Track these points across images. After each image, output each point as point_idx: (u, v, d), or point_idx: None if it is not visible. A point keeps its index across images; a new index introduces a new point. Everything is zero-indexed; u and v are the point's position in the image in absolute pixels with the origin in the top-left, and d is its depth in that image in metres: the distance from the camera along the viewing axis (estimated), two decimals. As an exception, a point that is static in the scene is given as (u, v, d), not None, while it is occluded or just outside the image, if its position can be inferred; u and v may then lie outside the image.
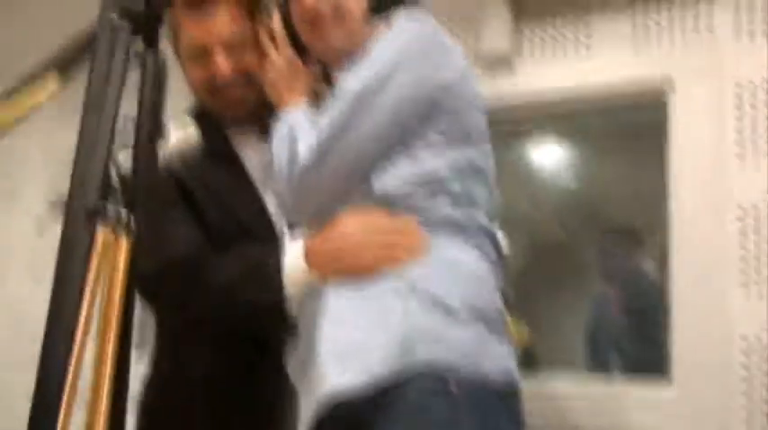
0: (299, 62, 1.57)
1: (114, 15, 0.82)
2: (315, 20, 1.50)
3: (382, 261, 1.39)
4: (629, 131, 2.83)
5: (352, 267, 1.40)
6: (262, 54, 1.62)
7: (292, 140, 1.45)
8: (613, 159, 2.92)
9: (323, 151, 1.41)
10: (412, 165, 1.42)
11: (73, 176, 0.80)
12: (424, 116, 1.43)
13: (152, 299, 1.54)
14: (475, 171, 1.47)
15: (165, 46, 1.21)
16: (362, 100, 1.41)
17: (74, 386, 0.72)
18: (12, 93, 1.11)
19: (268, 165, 1.51)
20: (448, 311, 1.34)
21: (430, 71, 1.44)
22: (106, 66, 0.81)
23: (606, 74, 2.69)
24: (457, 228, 1.42)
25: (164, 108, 1.18)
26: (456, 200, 1.43)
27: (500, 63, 2.81)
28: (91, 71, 0.83)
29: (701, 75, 2.53)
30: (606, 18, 2.73)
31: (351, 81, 1.44)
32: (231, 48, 1.60)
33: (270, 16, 1.58)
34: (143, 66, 0.88)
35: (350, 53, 1.48)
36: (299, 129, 1.46)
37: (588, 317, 2.90)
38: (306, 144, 1.43)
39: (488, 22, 2.82)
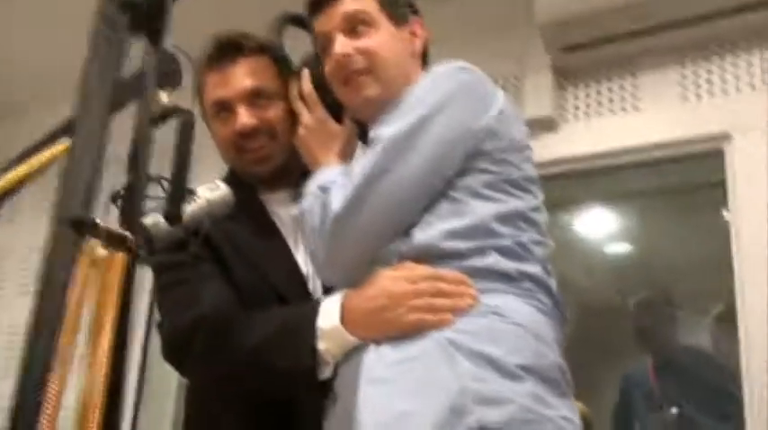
0: (333, 121, 1.49)
1: (113, 9, 0.73)
2: (347, 75, 1.42)
3: (427, 320, 1.26)
4: (683, 190, 2.70)
5: (393, 327, 1.29)
6: (289, 110, 1.56)
7: (324, 192, 1.36)
8: (667, 220, 2.78)
9: (357, 198, 1.31)
10: (456, 216, 1.31)
11: (61, 185, 0.70)
12: (465, 160, 1.33)
13: (179, 358, 1.47)
14: (525, 221, 1.35)
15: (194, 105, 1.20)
16: (399, 144, 1.32)
17: (55, 410, 0.61)
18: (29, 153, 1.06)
19: (300, 224, 1.43)
20: (500, 370, 1.19)
21: (470, 113, 1.34)
22: (100, 64, 0.73)
23: (656, 131, 2.60)
24: (507, 281, 1.29)
25: (189, 164, 1.12)
26: (506, 251, 1.30)
27: (544, 125, 2.75)
28: (85, 70, 0.73)
29: (758, 127, 2.40)
30: (654, 72, 2.67)
31: (385, 127, 1.35)
32: (253, 101, 1.56)
33: (299, 75, 1.52)
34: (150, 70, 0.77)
35: (386, 106, 1.40)
36: (331, 183, 1.37)
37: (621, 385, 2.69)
38: (338, 194, 1.33)
39: (530, 84, 2.77)
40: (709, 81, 2.58)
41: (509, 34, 2.83)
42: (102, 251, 0.72)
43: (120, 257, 0.74)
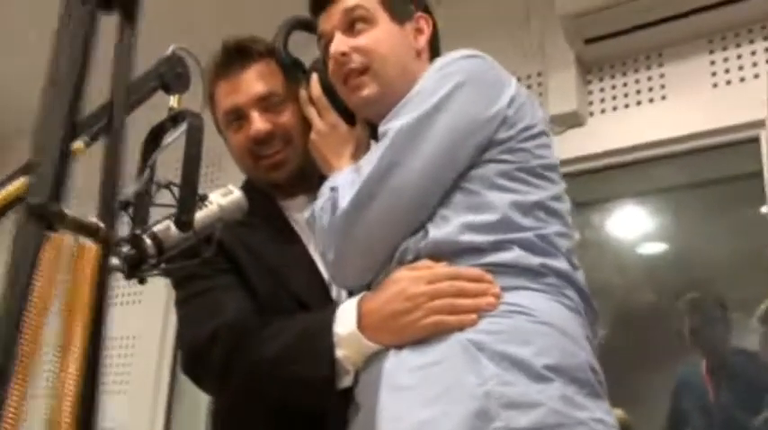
0: (344, 125, 1.46)
1: (82, -17, 0.66)
2: (346, 74, 1.39)
3: (447, 321, 1.19)
4: (718, 182, 2.59)
5: (412, 330, 1.22)
6: (300, 115, 1.53)
7: (333, 191, 1.31)
8: (702, 215, 2.67)
9: (366, 193, 1.25)
10: (473, 209, 1.25)
11: (28, 169, 0.64)
12: (478, 150, 1.27)
13: (198, 370, 1.45)
14: (546, 211, 1.29)
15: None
16: (408, 136, 1.26)
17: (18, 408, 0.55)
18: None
19: (311, 226, 1.39)
20: (527, 372, 1.12)
21: (481, 101, 1.29)
22: (69, 43, 0.66)
23: (687, 121, 2.51)
24: (532, 277, 1.22)
25: (199, 168, 1.06)
26: (528, 245, 1.24)
27: (569, 121, 2.67)
28: (54, 51, 0.67)
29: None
30: (681, 60, 2.58)
31: (394, 121, 1.30)
32: (266, 107, 1.54)
33: (308, 80, 1.49)
34: (125, 47, 0.71)
35: (390, 105, 1.34)
36: (342, 183, 1.32)
37: (675, 388, 2.58)
38: (347, 190, 1.28)
39: (553, 79, 2.70)
40: (740, 66, 2.48)
41: (529, 29, 2.76)
42: (68, 240, 0.66)
43: (91, 248, 0.68)
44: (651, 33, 2.55)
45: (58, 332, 0.67)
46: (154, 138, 1.28)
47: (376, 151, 1.28)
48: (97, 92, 0.84)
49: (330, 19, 1.41)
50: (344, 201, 1.26)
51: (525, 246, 1.23)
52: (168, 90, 1.35)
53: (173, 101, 1.35)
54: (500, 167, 1.27)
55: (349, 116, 1.46)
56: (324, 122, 1.46)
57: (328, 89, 1.45)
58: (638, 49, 2.65)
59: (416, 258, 1.26)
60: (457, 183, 1.26)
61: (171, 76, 1.34)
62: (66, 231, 0.66)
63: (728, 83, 2.50)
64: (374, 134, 1.43)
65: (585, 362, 1.19)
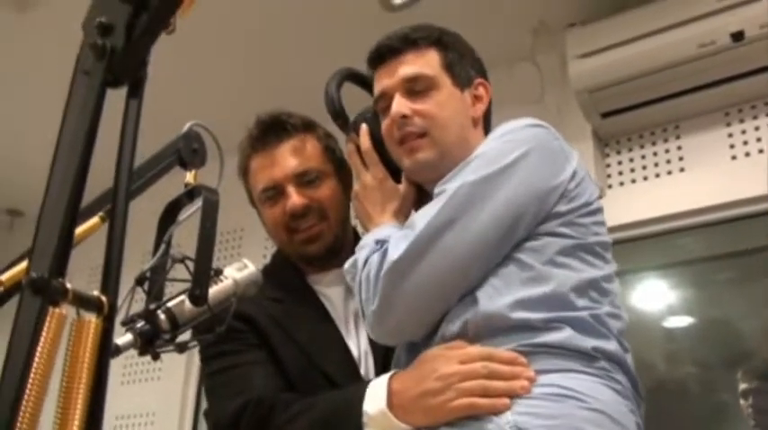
0: (391, 180, 1.43)
1: (90, 57, 0.68)
2: (403, 136, 1.36)
3: (479, 404, 1.16)
4: (741, 253, 2.55)
5: (443, 412, 1.19)
6: (335, 190, 1.55)
7: (382, 244, 1.28)
8: (726, 286, 2.61)
9: (418, 248, 1.21)
10: (527, 283, 1.20)
11: (33, 244, 0.64)
12: (536, 222, 1.23)
13: None
14: (598, 291, 1.24)
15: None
16: (470, 194, 1.23)
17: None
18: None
19: (349, 276, 1.36)
20: None
21: (544, 171, 1.25)
22: (76, 118, 0.68)
23: (706, 193, 2.49)
24: (583, 359, 1.17)
25: (214, 243, 1.07)
26: (581, 326, 1.19)
27: (588, 194, 2.65)
28: (63, 124, 0.68)
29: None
30: (699, 132, 2.58)
31: (453, 182, 1.26)
32: (302, 182, 1.55)
33: (357, 132, 1.46)
34: (129, 121, 0.72)
35: (442, 171, 1.32)
36: (393, 235, 1.28)
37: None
38: (399, 242, 1.24)
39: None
40: (758, 138, 2.48)
41: (544, 104, 2.79)
42: (65, 315, 0.65)
43: (92, 323, 0.67)
44: (667, 106, 2.55)
45: (56, 411, 0.66)
46: (170, 213, 1.29)
47: (432, 207, 1.25)
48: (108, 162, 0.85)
49: (390, 78, 1.38)
50: (396, 252, 1.22)
51: (578, 326, 1.18)
52: (185, 166, 1.37)
53: (189, 176, 1.37)
54: (558, 242, 1.23)
55: (394, 173, 1.43)
56: (371, 175, 1.43)
57: (377, 143, 1.43)
58: (654, 121, 2.66)
59: (463, 327, 1.21)
60: (511, 254, 1.22)
61: (187, 151, 1.36)
62: (67, 306, 0.66)
63: (747, 155, 2.50)
64: (420, 198, 1.42)
65: None
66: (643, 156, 2.69)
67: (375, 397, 1.25)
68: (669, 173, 2.62)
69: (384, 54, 1.40)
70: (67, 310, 0.66)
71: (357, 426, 1.25)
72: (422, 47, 1.38)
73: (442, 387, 1.18)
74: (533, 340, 1.17)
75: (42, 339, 0.62)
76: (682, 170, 2.60)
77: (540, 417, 1.11)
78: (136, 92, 0.75)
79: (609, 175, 2.73)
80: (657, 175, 2.64)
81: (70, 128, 0.70)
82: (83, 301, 0.67)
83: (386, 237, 1.28)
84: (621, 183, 2.70)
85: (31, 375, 0.61)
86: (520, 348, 1.17)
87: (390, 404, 1.23)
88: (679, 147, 2.63)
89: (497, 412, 1.13)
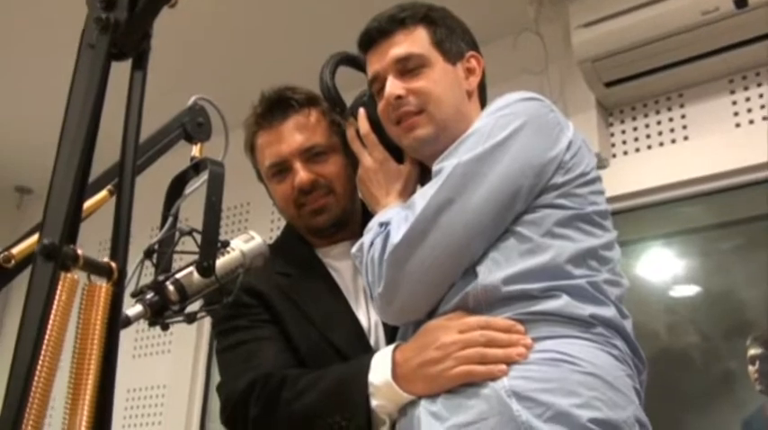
0: (393, 161, 1.44)
1: (94, 30, 0.70)
2: (400, 115, 1.37)
3: (476, 371, 1.18)
4: (745, 220, 2.55)
5: (443, 380, 1.21)
6: (341, 164, 1.55)
7: (384, 226, 1.30)
8: (731, 254, 2.62)
9: (419, 229, 1.23)
10: (525, 255, 1.22)
11: (44, 212, 0.67)
12: (534, 194, 1.25)
13: (236, 421, 1.44)
14: (597, 259, 1.25)
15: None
16: (466, 173, 1.24)
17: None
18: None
19: (357, 259, 1.38)
20: (572, 425, 1.09)
21: (540, 144, 1.26)
22: (82, 92, 0.69)
23: (710, 160, 2.50)
24: (580, 326, 1.19)
25: (220, 215, 1.11)
26: (578, 293, 1.20)
27: (591, 163, 2.66)
28: (69, 97, 0.70)
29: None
30: (703, 100, 2.57)
31: (450, 159, 1.28)
32: (308, 157, 1.56)
33: (356, 116, 1.48)
34: (134, 94, 0.74)
35: (442, 145, 1.32)
36: (394, 218, 1.30)
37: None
38: (400, 225, 1.26)
39: (574, 122, 2.68)
40: (762, 105, 2.47)
41: (548, 74, 2.78)
42: (77, 280, 0.68)
43: (103, 287, 0.70)
44: (671, 74, 2.55)
45: (70, 372, 0.69)
46: (176, 187, 1.31)
47: (430, 187, 1.26)
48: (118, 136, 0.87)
49: (381, 60, 1.39)
50: (397, 235, 1.24)
51: (575, 293, 1.20)
52: (190, 139, 1.39)
53: (195, 150, 1.39)
54: (555, 213, 1.24)
55: (396, 153, 1.44)
56: (372, 158, 1.45)
57: (376, 125, 1.44)
58: (658, 90, 2.66)
59: (464, 300, 1.24)
60: (510, 227, 1.24)
61: (193, 125, 1.38)
62: (78, 271, 0.68)
63: (751, 122, 2.49)
64: (423, 174, 1.44)
65: (633, 417, 1.15)
66: (647, 125, 2.69)
67: (380, 368, 1.28)
68: (673, 141, 2.62)
69: (373, 36, 1.41)
70: (78, 276, 0.69)
71: (364, 397, 1.27)
72: (410, 25, 1.39)
73: (442, 356, 1.21)
74: (531, 308, 1.19)
75: (55, 303, 0.64)
76: (686, 138, 2.60)
77: (534, 381, 1.13)
78: (140, 64, 0.77)
79: (613, 145, 2.73)
80: (662, 144, 2.64)
81: (77, 100, 0.72)
82: (93, 267, 0.70)
83: (389, 220, 1.30)
84: (626, 153, 2.70)
85: (46, 337, 0.63)
86: (518, 316, 1.20)
87: (395, 374, 1.25)
88: (683, 116, 2.63)
89: (495, 378, 1.15)
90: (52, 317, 0.63)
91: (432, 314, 1.29)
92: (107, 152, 0.90)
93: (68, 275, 0.67)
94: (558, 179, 1.25)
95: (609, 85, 2.63)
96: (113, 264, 0.71)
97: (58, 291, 0.65)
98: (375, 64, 1.41)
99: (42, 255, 0.65)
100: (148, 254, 1.18)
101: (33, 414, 0.60)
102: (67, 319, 0.65)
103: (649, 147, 2.66)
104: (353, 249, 1.38)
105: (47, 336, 0.63)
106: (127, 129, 0.74)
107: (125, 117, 0.75)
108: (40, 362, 0.63)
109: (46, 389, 0.63)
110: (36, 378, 0.62)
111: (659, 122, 2.66)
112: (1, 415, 0.62)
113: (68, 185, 0.69)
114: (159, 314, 1.10)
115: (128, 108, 0.75)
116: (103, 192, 1.27)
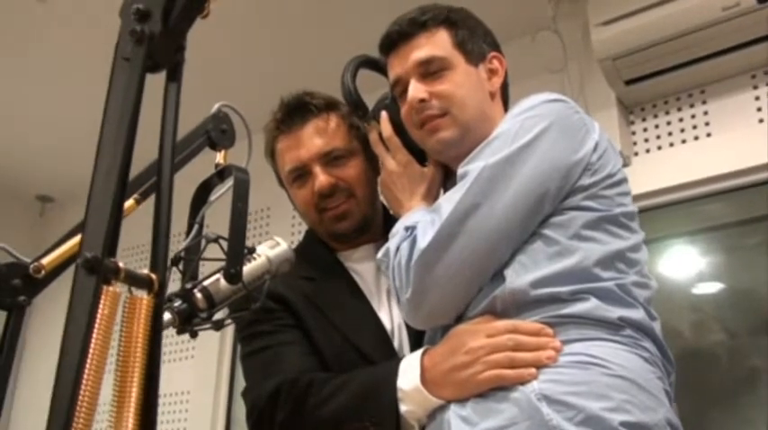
0: (416, 164, 1.44)
1: (129, 42, 0.70)
2: (423, 119, 1.36)
3: (506, 375, 1.18)
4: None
5: (472, 385, 1.21)
6: (365, 167, 1.56)
7: (411, 231, 1.29)
8: (755, 251, 2.59)
9: (446, 234, 1.22)
10: (553, 258, 1.21)
11: (84, 225, 0.67)
12: (561, 197, 1.24)
13: (261, 427, 1.44)
14: (624, 261, 1.24)
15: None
16: (492, 176, 1.23)
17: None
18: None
19: (383, 264, 1.37)
20: (602, 428, 1.08)
21: (566, 146, 1.25)
22: (118, 105, 0.70)
23: (733, 157, 2.48)
24: (609, 329, 1.18)
25: (246, 222, 1.10)
26: (606, 296, 1.20)
27: (613, 162, 2.64)
28: (105, 110, 0.71)
29: None
30: (725, 96, 2.56)
31: (475, 162, 1.26)
32: (328, 161, 1.57)
33: (378, 120, 1.47)
34: (169, 106, 0.74)
35: (467, 147, 1.32)
36: (421, 222, 1.29)
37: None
38: (426, 230, 1.25)
39: (595, 121, 2.68)
40: (786, 100, 2.45)
41: (567, 73, 2.77)
42: (119, 293, 0.68)
43: (144, 300, 0.70)
44: (692, 71, 2.53)
45: (114, 385, 0.69)
46: (201, 194, 1.32)
47: (457, 191, 1.25)
48: (145, 150, 0.88)
49: (403, 63, 1.39)
50: (424, 240, 1.23)
51: (604, 296, 1.19)
52: (214, 146, 1.40)
53: (219, 157, 1.39)
54: (582, 215, 1.23)
55: (419, 155, 1.44)
56: (395, 162, 1.44)
57: (398, 128, 1.44)
58: (679, 87, 2.64)
59: (492, 305, 1.23)
60: (537, 230, 1.23)
61: (217, 132, 1.38)
62: (119, 284, 0.69)
63: (775, 114, 2.47)
64: (446, 176, 1.44)
65: (664, 419, 1.14)
66: (669, 123, 2.67)
67: (409, 373, 1.28)
68: (696, 138, 2.60)
69: (394, 40, 1.41)
70: (120, 289, 0.69)
71: (393, 402, 1.27)
72: (431, 28, 1.39)
73: (471, 360, 1.20)
74: (559, 311, 1.19)
75: (98, 316, 0.65)
76: (708, 135, 2.58)
77: (564, 384, 1.12)
78: (174, 76, 0.78)
79: (635, 143, 2.71)
80: (684, 141, 2.63)
81: (114, 113, 0.72)
82: (134, 279, 0.70)
83: (414, 223, 1.30)
84: (647, 151, 2.69)
85: (90, 352, 0.63)
86: (546, 320, 1.19)
87: (423, 379, 1.25)
88: (705, 112, 2.61)
89: (524, 382, 1.15)
90: (96, 329, 0.64)
91: (460, 318, 1.28)
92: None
93: (110, 289, 0.67)
94: (585, 181, 1.24)
95: (629, 82, 2.62)
96: (153, 276, 0.71)
97: (101, 306, 0.65)
98: (397, 67, 1.41)
99: (84, 269, 0.66)
100: (175, 261, 1.18)
101: (82, 423, 0.60)
102: (111, 331, 0.66)
103: (671, 144, 2.64)
104: (379, 254, 1.37)
105: (92, 348, 0.63)
106: (163, 141, 0.74)
107: (161, 129, 0.76)
108: (85, 379, 0.63)
109: (90, 407, 0.63)
110: (81, 395, 0.62)
111: (681, 119, 2.64)
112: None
113: (108, 198, 0.69)
114: (187, 321, 1.10)
115: (163, 120, 0.76)
116: (130, 201, 1.28)
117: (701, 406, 2.46)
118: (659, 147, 2.66)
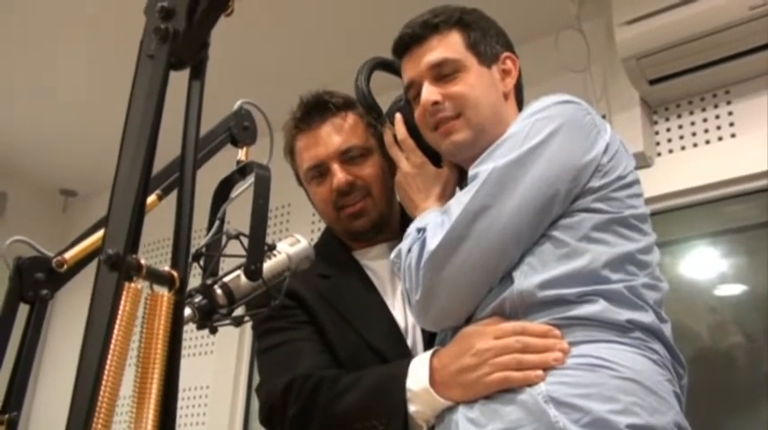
0: (431, 165, 1.44)
1: (153, 40, 0.71)
2: (437, 121, 1.37)
3: (513, 377, 1.18)
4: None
5: (480, 387, 1.21)
6: (383, 165, 1.56)
7: (421, 232, 1.30)
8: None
9: (455, 235, 1.22)
10: (561, 260, 1.21)
11: (106, 222, 0.68)
12: (571, 199, 1.23)
13: (273, 422, 1.45)
14: (634, 263, 1.23)
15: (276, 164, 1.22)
16: (502, 177, 1.23)
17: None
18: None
19: (395, 266, 1.38)
20: (595, 423, 1.08)
21: (576, 148, 1.25)
22: (142, 103, 0.70)
23: (758, 158, 2.43)
24: (617, 331, 1.18)
25: (267, 219, 1.11)
26: (615, 298, 1.19)
27: (637, 162, 2.59)
28: (129, 107, 0.71)
29: None
30: (749, 96, 2.53)
31: (486, 163, 1.26)
32: (346, 159, 1.57)
33: (392, 122, 1.49)
34: (192, 103, 0.75)
35: (481, 148, 1.31)
36: (431, 223, 1.30)
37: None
38: (436, 231, 1.26)
39: (618, 120, 2.67)
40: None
41: (591, 72, 2.75)
42: (140, 290, 0.69)
43: (165, 297, 0.70)
44: (717, 71, 2.51)
45: (134, 379, 0.70)
46: (223, 191, 1.32)
47: (466, 193, 1.26)
48: (168, 146, 0.88)
49: (416, 66, 1.39)
50: (433, 242, 1.24)
51: (612, 298, 1.19)
52: (236, 143, 1.40)
53: (240, 153, 1.40)
54: (592, 217, 1.23)
55: (434, 157, 1.45)
56: (410, 163, 1.45)
57: (413, 129, 1.45)
58: (704, 87, 2.61)
59: (500, 306, 1.23)
60: (546, 232, 1.23)
61: (238, 129, 1.39)
62: (141, 280, 0.69)
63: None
64: (462, 177, 1.43)
65: (672, 422, 1.13)
66: (693, 123, 2.64)
67: (418, 374, 1.28)
68: (720, 139, 2.58)
69: (407, 43, 1.41)
70: (141, 285, 0.70)
71: (401, 403, 1.28)
72: (443, 30, 1.39)
73: (478, 362, 1.20)
74: (567, 313, 1.18)
75: (120, 312, 0.65)
76: (733, 136, 2.56)
77: (572, 386, 1.12)
78: (198, 73, 0.78)
79: (658, 143, 2.69)
80: (708, 142, 2.60)
81: (137, 110, 0.73)
82: (155, 276, 0.70)
83: (425, 225, 1.30)
84: (671, 151, 2.66)
85: (111, 348, 0.64)
86: (554, 321, 1.19)
87: (432, 380, 1.25)
88: (730, 113, 2.58)
89: (531, 384, 1.14)
90: (117, 325, 0.64)
91: (470, 319, 1.28)
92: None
93: (132, 286, 0.67)
94: (596, 183, 1.23)
95: (653, 82, 2.60)
96: (175, 274, 0.72)
97: (122, 302, 0.65)
98: (410, 70, 1.41)
99: (106, 265, 0.66)
100: (196, 257, 1.19)
101: (102, 417, 0.61)
102: (132, 327, 0.66)
103: (695, 144, 2.62)
104: (392, 255, 1.38)
105: (113, 344, 0.64)
106: (185, 138, 0.74)
107: (183, 126, 0.76)
108: (106, 373, 0.63)
109: (111, 400, 0.64)
110: (102, 389, 0.63)
111: (705, 120, 2.62)
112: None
113: (130, 195, 0.70)
114: (207, 317, 1.11)
115: (186, 117, 0.76)
116: (152, 197, 1.29)
117: (720, 408, 2.43)
118: (683, 148, 2.64)
